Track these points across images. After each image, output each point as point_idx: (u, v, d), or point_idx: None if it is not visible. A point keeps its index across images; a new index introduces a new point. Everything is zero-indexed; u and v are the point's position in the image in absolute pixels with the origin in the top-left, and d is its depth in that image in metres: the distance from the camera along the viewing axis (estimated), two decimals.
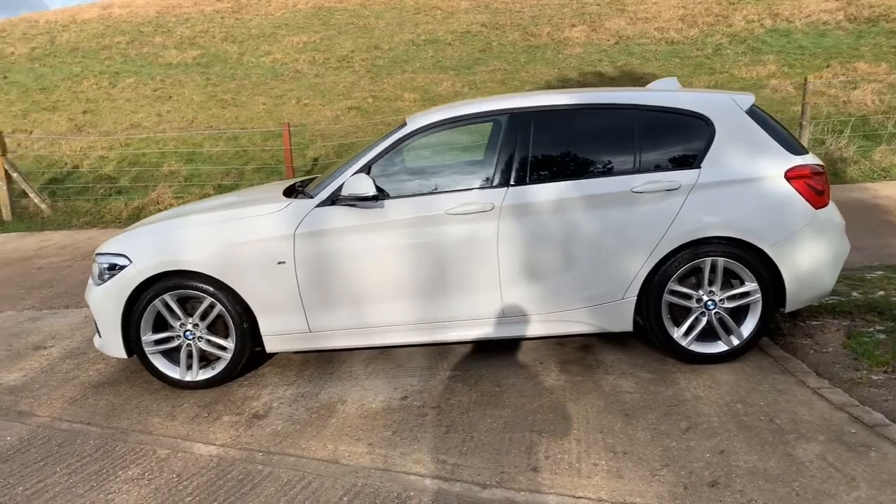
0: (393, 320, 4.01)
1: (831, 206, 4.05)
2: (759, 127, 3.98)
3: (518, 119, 4.03)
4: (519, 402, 3.70)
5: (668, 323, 3.97)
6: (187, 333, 4.08)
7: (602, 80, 14.43)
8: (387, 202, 3.95)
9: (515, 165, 3.95)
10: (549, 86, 14.24)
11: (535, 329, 4.03)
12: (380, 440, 3.38)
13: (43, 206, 10.23)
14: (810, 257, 3.93)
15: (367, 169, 4.00)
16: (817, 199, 3.92)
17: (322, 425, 3.58)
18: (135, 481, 3.15)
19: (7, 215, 10.19)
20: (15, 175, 10.16)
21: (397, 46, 18.42)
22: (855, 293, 4.90)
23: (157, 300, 4.02)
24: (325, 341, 4.09)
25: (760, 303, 3.92)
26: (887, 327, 4.30)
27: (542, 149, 3.99)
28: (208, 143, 12.64)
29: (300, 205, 4.01)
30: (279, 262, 3.94)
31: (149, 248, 4.04)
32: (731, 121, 3.98)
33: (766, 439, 3.15)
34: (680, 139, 3.99)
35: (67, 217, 10.13)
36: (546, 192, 3.91)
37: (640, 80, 14.07)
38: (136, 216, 9.86)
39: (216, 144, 12.64)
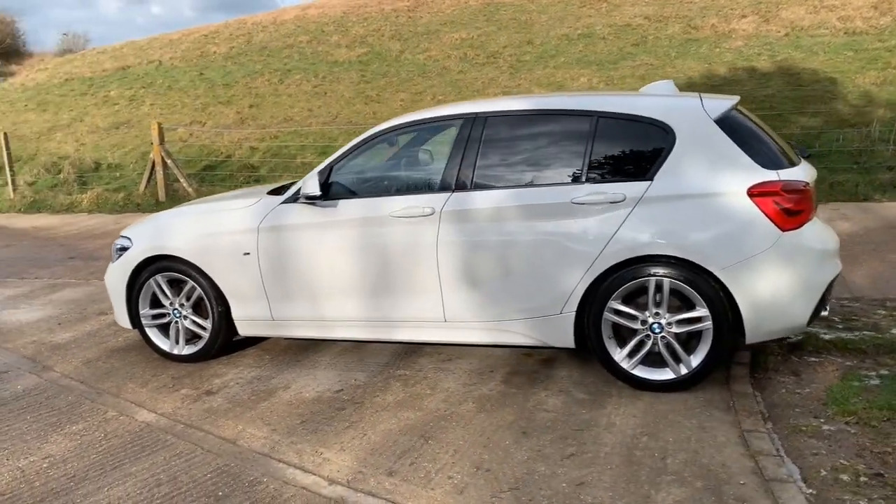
0: (345, 316, 4.18)
1: (809, 228, 3.57)
2: (726, 136, 3.61)
3: (468, 124, 4.00)
4: (437, 406, 3.72)
5: (609, 343, 3.75)
6: (175, 312, 4.55)
7: (752, 77, 13.32)
8: (341, 202, 4.12)
9: (461, 171, 3.94)
10: (691, 82, 13.40)
11: (476, 336, 4.00)
12: (284, 427, 3.59)
13: (190, 189, 11.58)
14: (774, 285, 3.51)
15: (328, 170, 4.20)
16: (787, 219, 3.48)
17: (251, 408, 3.85)
18: (71, 435, 3.63)
19: (162, 196, 11.67)
20: (169, 162, 11.59)
21: (549, 41, 18.25)
22: (871, 331, 4.26)
23: (151, 280, 4.53)
24: (286, 330, 4.37)
25: (711, 331, 3.58)
26: (892, 373, 3.71)
27: (489, 155, 3.94)
28: (343, 137, 13.47)
29: (268, 202, 4.30)
30: (245, 254, 4.27)
31: (147, 233, 4.57)
32: (695, 129, 3.65)
33: (639, 478, 2.92)
34: (635, 148, 3.74)
35: None
36: (486, 200, 3.85)
37: (794, 76, 12.81)
38: None
39: (349, 138, 13.44)
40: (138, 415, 3.85)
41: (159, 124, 11.65)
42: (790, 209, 3.49)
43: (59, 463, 3.34)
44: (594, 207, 3.67)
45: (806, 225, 3.55)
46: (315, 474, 3.12)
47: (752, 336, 3.59)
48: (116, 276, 4.63)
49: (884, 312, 4.71)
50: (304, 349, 4.68)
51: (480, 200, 3.86)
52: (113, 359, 4.74)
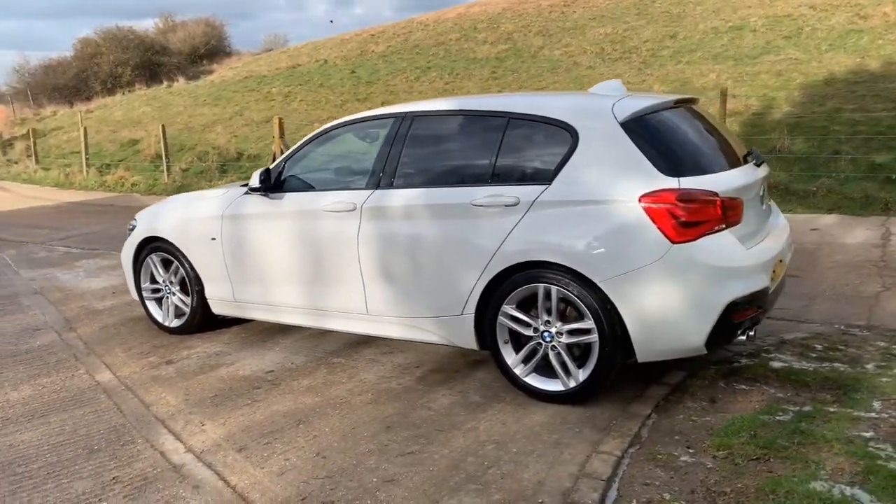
0: (288, 302, 4.45)
1: (709, 241, 3.26)
2: (629, 140, 3.40)
3: (397, 124, 4.09)
4: (337, 394, 3.88)
5: (506, 348, 3.68)
6: (166, 288, 5.08)
7: None
8: (287, 195, 4.38)
9: (385, 169, 4.04)
10: (831, 78, 12.11)
11: (395, 331, 4.09)
12: (195, 399, 3.93)
13: None
14: (662, 301, 3.26)
15: (282, 164, 4.48)
16: (681, 230, 3.22)
17: (187, 379, 4.24)
18: (37, 386, 4.23)
19: None
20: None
21: (694, 35, 17.28)
22: (843, 364, 3.76)
23: (148, 258, 5.09)
24: (246, 311, 4.72)
25: (597, 344, 3.40)
26: (812, 411, 3.30)
27: (411, 154, 4.00)
28: None
29: (232, 192, 4.67)
30: (212, 239, 4.68)
31: (146, 216, 5.14)
32: (600, 132, 3.48)
33: (445, 483, 2.89)
34: (539, 150, 3.63)
35: None
36: (401, 198, 3.93)
37: None
38: None
39: None
40: (99, 375, 4.38)
41: (280, 119, 12.62)
42: (683, 220, 3.22)
43: (7, 407, 3.93)
44: (490, 210, 3.61)
45: (705, 238, 3.25)
46: (181, 442, 3.41)
47: (642, 355, 3.36)
48: (126, 253, 5.25)
49: (881, 345, 4.13)
50: (276, 332, 5.00)
51: (396, 198, 3.94)
52: (124, 326, 5.38)
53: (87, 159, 17.12)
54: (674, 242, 3.21)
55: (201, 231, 4.72)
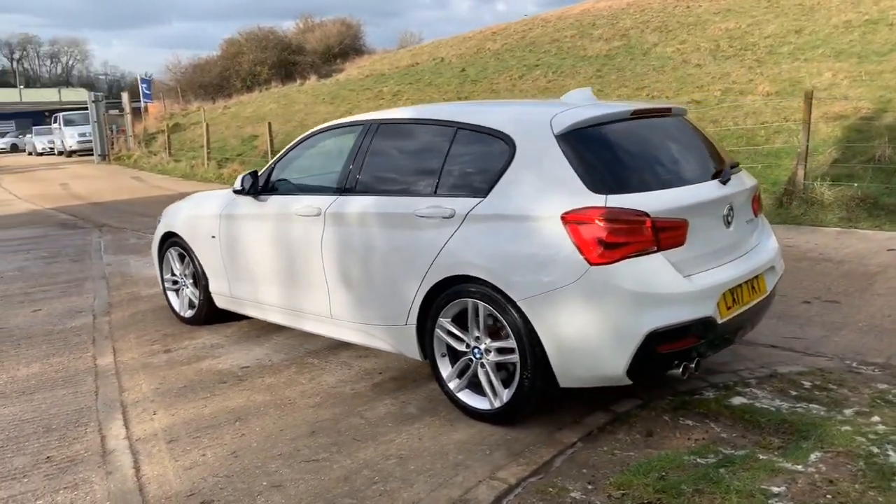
0: (272, 301, 4.61)
1: (632, 265, 3.04)
2: (561, 153, 3.24)
3: (364, 131, 4.12)
4: (289, 395, 3.98)
5: (442, 361, 3.63)
6: (182, 280, 5.41)
7: None
8: (271, 198, 4.54)
9: (350, 175, 4.09)
10: None
11: (354, 336, 4.13)
12: (166, 387, 4.17)
13: None
14: (579, 325, 3.09)
15: (271, 168, 4.64)
16: (601, 251, 3.04)
17: (170, 368, 4.51)
18: (46, 364, 4.64)
19: None
20: None
21: (822, 30, 15.92)
22: (820, 406, 3.38)
23: (167, 252, 5.45)
24: (241, 308, 4.94)
25: (518, 365, 3.28)
26: (743, 455, 3.00)
27: (371, 162, 4.02)
28: None
29: (230, 193, 4.89)
30: (212, 236, 4.93)
31: (169, 212, 5.49)
32: (535, 144, 3.34)
33: (329, 493, 2.91)
34: (482, 161, 3.54)
35: None
36: (357, 205, 3.96)
37: None
38: None
39: None
40: (102, 359, 4.75)
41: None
42: (604, 241, 3.02)
43: (9, 382, 4.36)
44: (430, 221, 3.57)
45: (627, 261, 3.03)
46: (127, 429, 3.65)
47: (563, 380, 3.20)
48: (153, 246, 5.65)
49: (881, 387, 3.68)
50: (273, 329, 5.17)
51: (354, 205, 3.98)
52: (152, 314, 5.78)
53: (208, 153, 18.42)
54: (592, 264, 3.03)
55: (205, 228, 4.99)
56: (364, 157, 4.05)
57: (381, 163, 4.00)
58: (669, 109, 3.79)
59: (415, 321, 3.68)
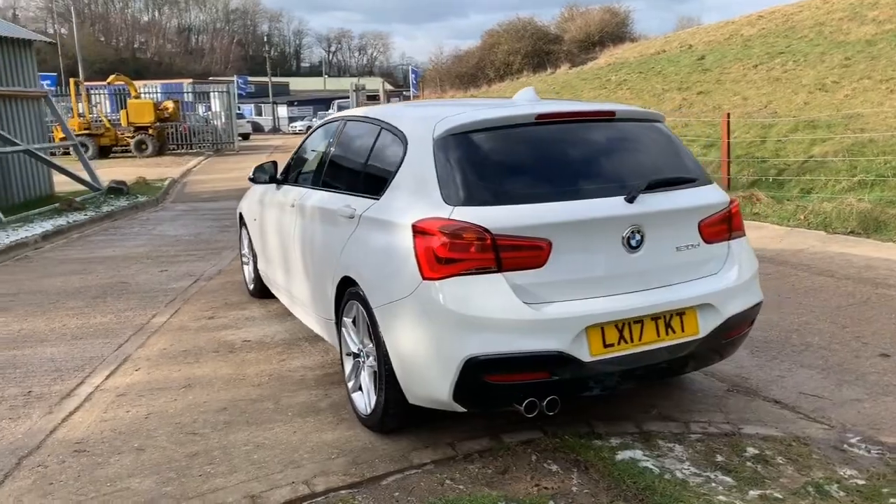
0: (279, 284, 4.96)
1: (459, 283, 2.80)
2: (432, 159, 3.08)
3: (338, 126, 4.24)
4: (247, 371, 4.27)
5: (347, 360, 3.66)
6: (246, 258, 6.01)
7: None
8: (283, 187, 4.86)
9: (317, 169, 4.26)
10: None
11: (316, 327, 4.28)
12: (170, 351, 4.71)
13: None
14: (411, 341, 2.94)
15: (290, 158, 4.97)
16: (434, 265, 2.85)
17: (193, 333, 5.06)
18: (117, 316, 5.51)
19: None
20: None
21: None
22: (714, 471, 2.78)
23: (241, 230, 6.08)
24: (270, 286, 5.36)
25: (376, 374, 3.21)
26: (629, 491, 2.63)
27: (334, 156, 4.14)
28: (741, 130, 12.09)
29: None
30: (254, 219, 5.42)
31: (245, 194, 6.11)
32: (418, 148, 3.22)
33: (186, 471, 3.17)
34: (387, 163, 3.48)
35: None
36: (312, 199, 4.11)
37: None
38: None
39: (747, 130, 11.98)
40: (158, 318, 5.49)
41: None
42: (438, 255, 2.82)
43: (76, 327, 5.26)
44: (342, 219, 3.60)
45: (455, 278, 2.80)
46: (106, 380, 4.22)
47: (409, 396, 3.06)
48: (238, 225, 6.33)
49: (845, 473, 2.91)
50: None
51: (310, 199, 4.13)
52: (236, 285, 6.47)
53: None
54: (424, 278, 2.85)
55: (252, 212, 5.48)
56: (329, 152, 4.17)
57: (337, 159, 4.09)
58: (613, 113, 3.32)
59: (333, 317, 3.74)
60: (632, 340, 2.94)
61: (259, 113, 51.10)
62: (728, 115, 9.94)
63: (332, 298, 3.65)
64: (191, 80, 52.69)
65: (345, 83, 73.94)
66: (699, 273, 3.16)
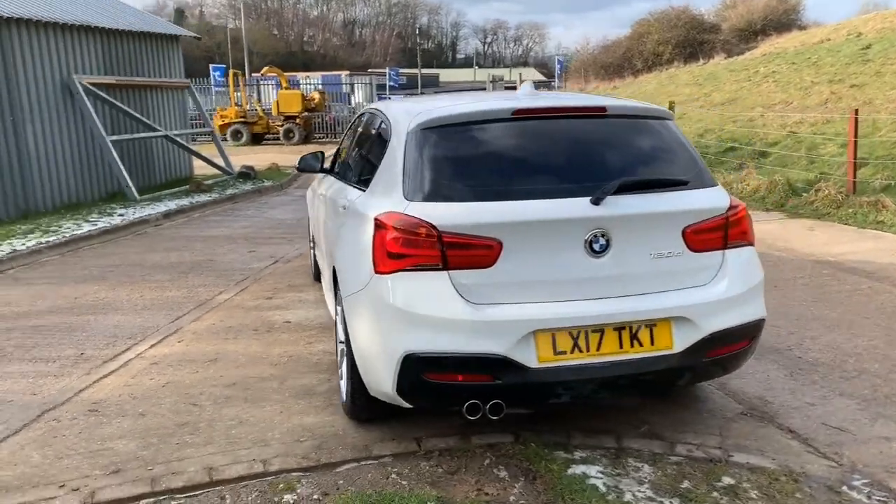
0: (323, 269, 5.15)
1: (403, 279, 2.80)
2: (403, 153, 3.08)
3: (360, 119, 4.33)
4: (273, 351, 4.50)
5: (338, 347, 3.75)
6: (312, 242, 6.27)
7: None
8: (325, 176, 5.02)
9: (338, 160, 4.39)
10: None
11: (332, 314, 4.41)
12: (217, 326, 5.04)
13: None
14: (364, 333, 2.99)
15: (339, 149, 5.13)
16: (385, 260, 2.86)
17: (245, 311, 5.37)
18: (189, 291, 5.96)
19: None
20: None
21: None
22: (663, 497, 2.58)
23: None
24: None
25: (349, 363, 3.27)
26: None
27: (349, 149, 4.24)
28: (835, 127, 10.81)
29: None
30: (308, 206, 5.65)
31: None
32: (396, 141, 3.23)
33: (164, 437, 3.42)
34: (376, 155, 3.51)
35: None
36: (330, 188, 4.24)
37: None
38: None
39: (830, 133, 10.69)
40: (224, 294, 5.87)
41: (671, 104, 12.13)
42: (388, 249, 2.83)
43: (151, 300, 5.74)
44: (339, 210, 3.69)
45: (400, 273, 2.79)
46: (150, 349, 4.60)
47: (367, 387, 3.09)
48: None
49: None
50: None
51: (330, 188, 4.26)
52: (305, 268, 6.77)
53: None
54: (376, 272, 2.86)
55: (308, 198, 5.72)
56: (349, 144, 4.27)
57: (349, 150, 4.22)
58: (603, 108, 3.14)
59: (334, 306, 3.84)
60: (588, 350, 2.78)
61: None
62: (856, 111, 8.95)
63: (332, 288, 3.75)
64: (348, 72, 55.20)
65: (499, 73, 74.17)
66: (681, 283, 2.93)
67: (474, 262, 2.75)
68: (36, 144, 9.84)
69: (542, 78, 68.66)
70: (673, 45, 33.98)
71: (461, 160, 2.99)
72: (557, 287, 2.80)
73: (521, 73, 33.18)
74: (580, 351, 2.78)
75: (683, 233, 2.92)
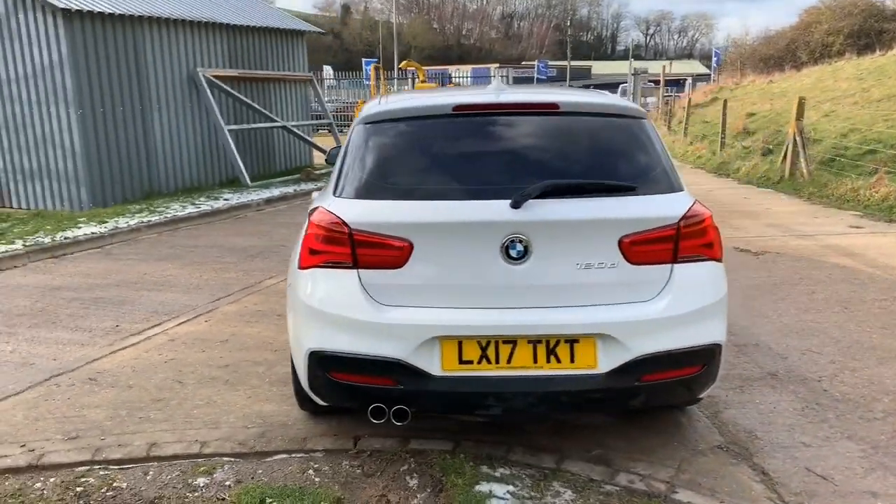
0: None
1: (313, 276, 2.79)
2: (346, 149, 3.07)
3: None
4: (280, 336, 4.65)
5: None
6: None
7: None
8: None
9: None
10: None
11: None
12: (249, 309, 5.26)
13: (805, 172, 10.80)
14: (290, 328, 3.05)
15: None
16: (305, 256, 2.85)
17: (281, 299, 5.56)
18: (243, 274, 6.28)
19: (786, 174, 11.27)
20: (798, 140, 11.00)
21: None
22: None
23: None
24: None
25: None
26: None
27: None
28: None
29: None
30: None
31: None
32: (348, 138, 3.20)
33: (131, 407, 3.64)
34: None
35: (817, 187, 10.37)
36: None
37: None
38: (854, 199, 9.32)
39: None
40: (271, 280, 6.09)
41: (801, 99, 11.06)
42: (307, 245, 2.82)
43: (205, 279, 6.10)
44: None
45: (312, 270, 2.77)
46: (160, 329, 4.88)
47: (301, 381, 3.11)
48: None
49: None
50: None
51: None
52: None
53: (721, 136, 17.08)
54: (299, 267, 2.87)
55: None
56: None
57: None
58: (555, 105, 2.91)
59: None
60: (497, 362, 2.62)
61: None
62: None
63: None
64: (497, 65, 55.29)
65: (656, 66, 70.99)
66: (614, 298, 2.67)
67: (384, 262, 2.67)
68: (161, 132, 10.75)
69: (704, 71, 65.09)
70: (845, 35, 30.91)
71: (390, 157, 2.91)
72: (469, 293, 2.65)
73: (665, 66, 31.62)
74: (488, 362, 2.62)
75: (620, 243, 2.65)
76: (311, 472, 2.94)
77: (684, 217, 2.70)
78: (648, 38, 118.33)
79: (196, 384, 3.86)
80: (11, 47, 9.50)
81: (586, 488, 2.78)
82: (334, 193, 2.86)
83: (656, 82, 30.37)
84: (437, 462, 2.95)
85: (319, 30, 14.75)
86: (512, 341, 2.61)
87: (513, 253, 2.61)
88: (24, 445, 3.18)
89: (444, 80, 27.91)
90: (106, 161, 9.88)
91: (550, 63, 59.41)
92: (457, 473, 2.82)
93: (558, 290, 2.64)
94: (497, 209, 2.62)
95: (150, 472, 2.96)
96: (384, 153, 2.90)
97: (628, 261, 2.66)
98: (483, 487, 2.73)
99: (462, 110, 2.90)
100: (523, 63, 68.67)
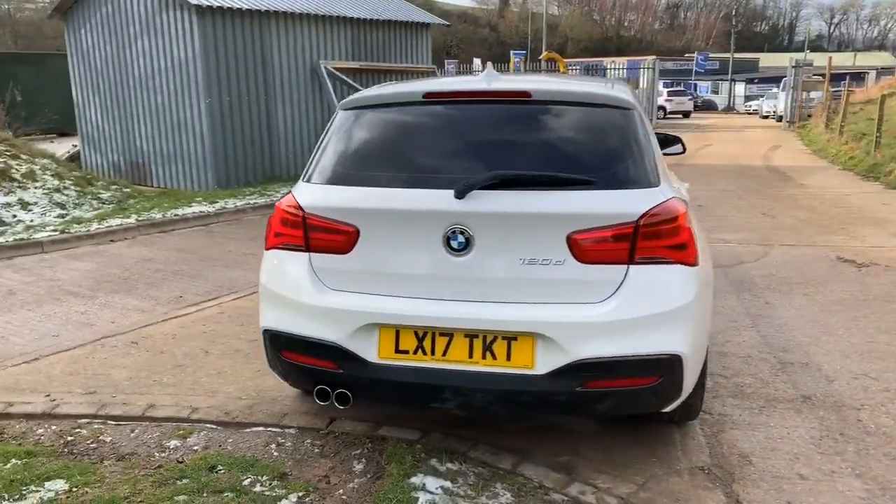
0: None
1: (271, 257, 2.91)
2: (324, 133, 3.14)
3: None
4: None
5: None
6: None
7: None
8: None
9: None
10: None
11: None
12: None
13: None
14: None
15: None
16: (271, 238, 2.95)
17: None
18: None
19: None
20: None
21: None
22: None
23: None
24: None
25: None
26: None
27: None
28: None
29: None
30: None
31: None
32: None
33: (151, 369, 3.95)
34: None
35: None
36: None
37: None
38: None
39: None
40: None
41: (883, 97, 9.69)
42: (272, 227, 2.92)
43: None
44: None
45: (273, 251, 2.87)
46: (215, 302, 5.21)
47: None
48: None
49: None
50: None
51: None
52: None
53: (877, 136, 15.56)
54: (266, 248, 2.98)
55: None
56: None
57: None
58: (527, 94, 2.79)
59: None
60: (433, 354, 2.57)
61: (716, 91, 48.77)
62: None
63: None
64: (654, 57, 53.16)
65: (840, 58, 64.78)
66: (558, 297, 2.52)
67: (332, 246, 2.70)
68: (283, 121, 11.41)
69: (893, 64, 58.95)
70: None
71: (357, 144, 2.92)
72: (410, 282, 2.62)
73: (830, 57, 28.82)
74: (424, 353, 2.58)
75: (569, 240, 2.50)
76: (273, 446, 3.04)
77: (645, 215, 2.50)
78: (832, 27, 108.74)
79: (219, 355, 4.10)
80: (156, 43, 10.48)
81: (529, 494, 2.67)
82: (303, 178, 2.93)
83: (823, 75, 27.82)
84: (387, 450, 2.95)
85: (445, 22, 14.93)
86: (448, 334, 2.56)
87: (454, 244, 2.55)
88: (48, 395, 3.54)
89: (598, 74, 27.21)
90: (231, 147, 10.64)
91: (713, 56, 56.24)
92: (397, 462, 2.81)
93: (499, 284, 2.55)
94: (440, 198, 2.56)
95: (136, 431, 3.19)
96: (352, 139, 2.93)
97: (578, 259, 2.50)
98: (416, 480, 2.70)
99: (433, 97, 2.86)
100: (686, 55, 65.55)
